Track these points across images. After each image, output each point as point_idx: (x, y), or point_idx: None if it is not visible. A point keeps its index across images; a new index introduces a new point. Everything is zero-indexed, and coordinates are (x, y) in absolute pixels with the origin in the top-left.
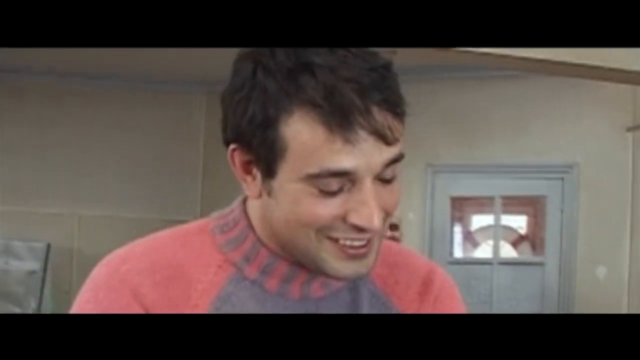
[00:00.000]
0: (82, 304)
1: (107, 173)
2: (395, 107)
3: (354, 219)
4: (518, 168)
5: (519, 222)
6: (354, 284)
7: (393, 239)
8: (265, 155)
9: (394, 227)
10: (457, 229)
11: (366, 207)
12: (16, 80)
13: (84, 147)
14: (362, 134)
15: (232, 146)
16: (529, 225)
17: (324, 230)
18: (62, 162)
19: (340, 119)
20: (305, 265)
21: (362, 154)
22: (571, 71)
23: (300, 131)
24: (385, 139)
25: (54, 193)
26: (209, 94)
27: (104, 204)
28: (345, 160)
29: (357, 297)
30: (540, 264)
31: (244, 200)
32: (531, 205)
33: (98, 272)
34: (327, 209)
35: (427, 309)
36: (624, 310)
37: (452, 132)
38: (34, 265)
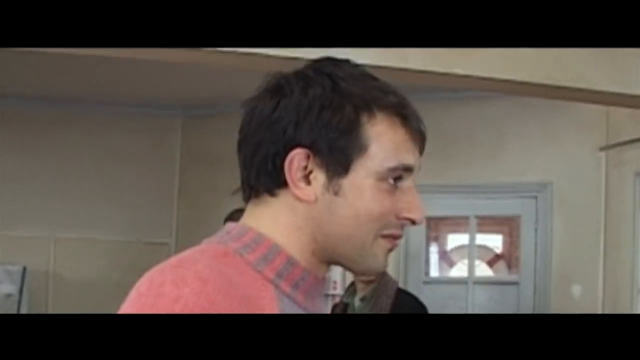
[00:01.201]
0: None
1: (83, 196)
2: None
3: (409, 213)
4: (493, 188)
5: (494, 242)
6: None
7: None
8: (343, 155)
9: None
10: (433, 249)
11: (418, 203)
12: None
13: (60, 171)
14: (420, 140)
15: (297, 151)
16: (505, 244)
17: (382, 227)
18: (38, 186)
19: (415, 124)
20: (347, 265)
21: (417, 156)
22: (541, 92)
23: (385, 132)
24: (423, 149)
25: (30, 216)
26: (184, 118)
27: (80, 226)
28: (412, 157)
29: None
30: (515, 283)
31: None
32: (506, 225)
33: (181, 292)
34: (392, 204)
35: None
36: None
37: (427, 153)
38: (10, 288)
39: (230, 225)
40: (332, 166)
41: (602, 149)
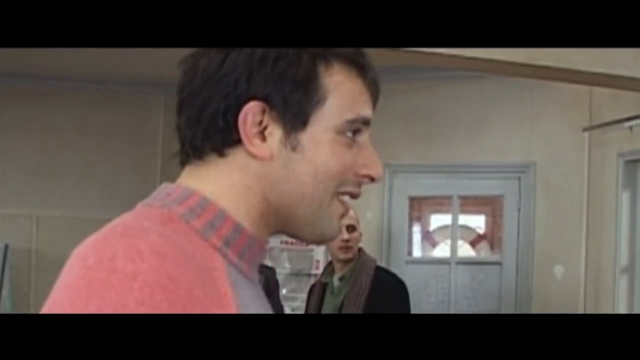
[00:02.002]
0: (138, 306)
1: (65, 174)
2: None
3: (368, 170)
4: (475, 168)
5: (477, 222)
6: None
7: (350, 241)
8: (300, 108)
9: (352, 228)
10: (416, 229)
11: (376, 159)
12: None
13: (42, 149)
14: (376, 92)
15: (251, 104)
16: (487, 224)
17: (340, 184)
18: (19, 164)
19: (371, 75)
20: (298, 231)
21: (372, 109)
22: (524, 72)
23: (343, 82)
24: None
25: (12, 194)
26: (167, 96)
27: (62, 205)
28: (369, 110)
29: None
30: (498, 263)
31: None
32: (489, 205)
33: (138, 268)
34: (351, 159)
35: None
36: (580, 309)
37: (410, 133)
38: None
39: (169, 186)
40: (289, 120)
41: (585, 129)
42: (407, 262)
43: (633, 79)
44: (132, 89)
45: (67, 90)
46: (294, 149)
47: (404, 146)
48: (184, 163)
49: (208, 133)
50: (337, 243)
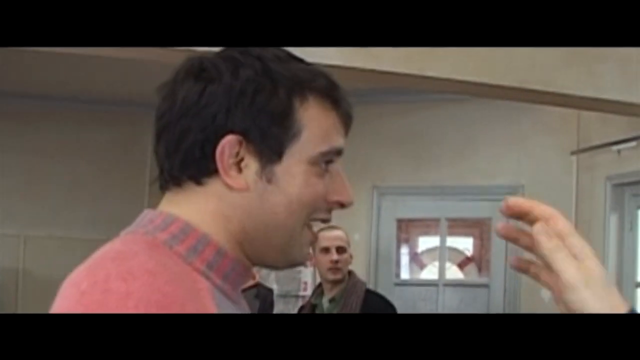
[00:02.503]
0: None
1: (53, 193)
2: None
3: (339, 196)
4: (463, 190)
5: (465, 244)
6: None
7: (340, 262)
8: (276, 142)
9: (341, 249)
10: (404, 251)
11: (347, 185)
12: None
13: (30, 169)
14: (348, 122)
15: (228, 138)
16: (475, 247)
17: (311, 212)
18: (7, 183)
19: (344, 107)
20: (271, 260)
21: (344, 138)
22: (513, 95)
23: (317, 116)
24: (348, 131)
25: (0, 214)
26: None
27: (50, 224)
28: (342, 140)
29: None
30: (486, 286)
31: (161, 212)
32: (477, 227)
33: (131, 287)
34: (324, 188)
35: None
36: None
37: (398, 154)
38: None
39: (151, 213)
40: (265, 153)
41: (573, 152)
42: (396, 284)
43: (621, 102)
44: (121, 109)
45: (56, 110)
46: (269, 180)
47: (392, 168)
48: (163, 188)
49: (186, 163)
50: (326, 264)
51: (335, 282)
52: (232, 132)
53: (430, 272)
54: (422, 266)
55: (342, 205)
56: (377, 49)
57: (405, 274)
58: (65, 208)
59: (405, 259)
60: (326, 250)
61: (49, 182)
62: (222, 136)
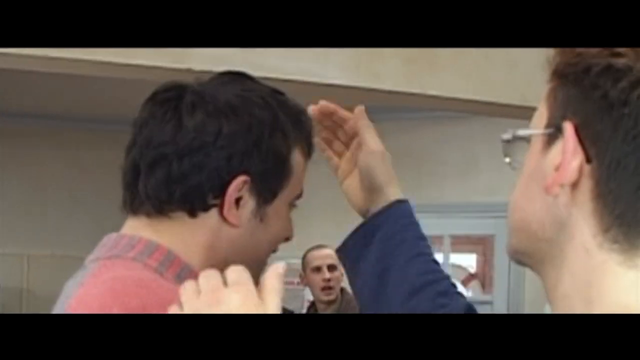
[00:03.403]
0: None
1: (56, 212)
2: None
3: (289, 233)
4: (466, 207)
5: (468, 261)
6: None
7: (332, 280)
8: (275, 184)
9: (333, 267)
10: None
11: (292, 223)
12: None
13: (32, 187)
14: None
15: (242, 178)
16: (479, 263)
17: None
18: (9, 202)
19: (312, 151)
20: None
21: None
22: (516, 113)
23: (300, 161)
24: None
25: (3, 233)
26: None
27: (53, 243)
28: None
29: None
30: (489, 302)
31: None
32: (480, 244)
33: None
34: None
35: None
36: None
37: (401, 172)
38: None
39: (127, 237)
40: (263, 194)
41: None
42: None
43: None
44: (122, 128)
45: (57, 129)
46: (261, 219)
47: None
48: (134, 211)
49: (188, 196)
50: (318, 283)
51: (329, 302)
52: (244, 173)
53: None
54: None
55: (287, 240)
56: (378, 67)
57: None
58: (67, 227)
59: None
60: (318, 269)
61: (50, 201)
62: (235, 177)
